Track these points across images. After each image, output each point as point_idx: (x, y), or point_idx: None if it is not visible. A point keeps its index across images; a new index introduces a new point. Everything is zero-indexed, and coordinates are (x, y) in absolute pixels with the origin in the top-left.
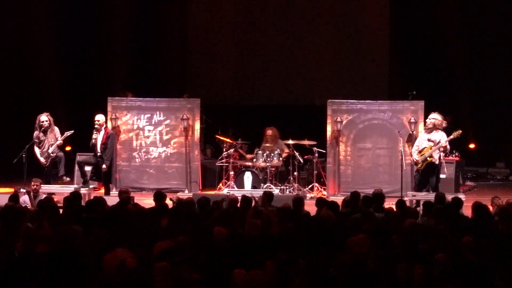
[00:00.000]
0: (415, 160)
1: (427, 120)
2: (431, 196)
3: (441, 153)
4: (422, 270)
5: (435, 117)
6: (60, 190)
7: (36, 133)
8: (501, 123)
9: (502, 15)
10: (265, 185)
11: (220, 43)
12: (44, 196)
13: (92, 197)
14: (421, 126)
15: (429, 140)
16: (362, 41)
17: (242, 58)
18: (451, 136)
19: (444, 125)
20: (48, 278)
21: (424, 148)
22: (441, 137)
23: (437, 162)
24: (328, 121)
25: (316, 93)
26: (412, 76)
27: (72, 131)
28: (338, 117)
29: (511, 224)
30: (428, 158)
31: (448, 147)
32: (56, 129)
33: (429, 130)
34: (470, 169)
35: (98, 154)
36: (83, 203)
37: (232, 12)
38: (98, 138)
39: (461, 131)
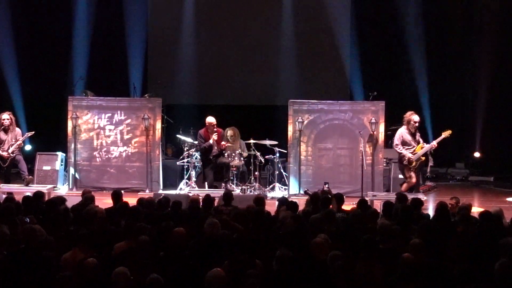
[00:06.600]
0: (410, 158)
1: (414, 122)
2: (391, 196)
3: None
4: (381, 269)
5: (418, 118)
6: (20, 190)
7: None
8: (461, 123)
9: (461, 16)
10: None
11: (181, 43)
12: (4, 196)
13: (51, 196)
14: (381, 127)
15: (416, 139)
16: (323, 42)
17: (203, 58)
18: (442, 136)
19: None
20: (7, 279)
21: (414, 148)
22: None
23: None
24: (289, 121)
25: (278, 93)
26: (372, 77)
27: (33, 132)
28: (299, 117)
29: (469, 225)
30: (421, 157)
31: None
32: (18, 130)
33: (414, 130)
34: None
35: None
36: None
37: (193, 11)
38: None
39: (451, 131)
